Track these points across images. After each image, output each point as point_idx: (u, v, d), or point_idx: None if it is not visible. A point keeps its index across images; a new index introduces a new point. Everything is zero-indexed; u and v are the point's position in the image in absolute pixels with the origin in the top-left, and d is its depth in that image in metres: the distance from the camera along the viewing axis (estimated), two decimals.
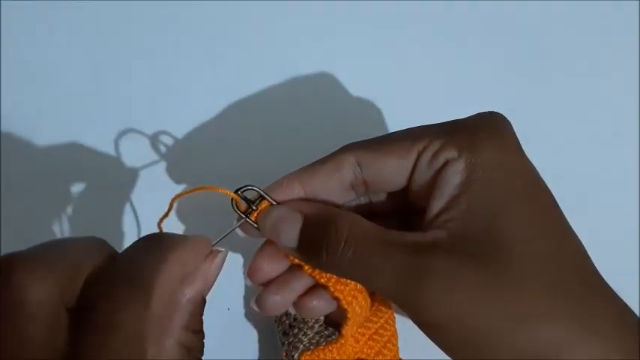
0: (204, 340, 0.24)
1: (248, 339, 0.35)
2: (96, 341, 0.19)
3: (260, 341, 0.35)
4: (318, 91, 0.41)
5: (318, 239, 0.25)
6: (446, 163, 0.25)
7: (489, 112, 0.27)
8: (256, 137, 0.40)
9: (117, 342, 0.19)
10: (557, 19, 0.43)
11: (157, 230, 0.30)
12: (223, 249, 0.26)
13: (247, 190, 0.27)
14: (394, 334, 0.31)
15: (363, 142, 0.27)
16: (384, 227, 0.26)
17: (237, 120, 0.40)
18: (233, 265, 0.36)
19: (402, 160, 0.26)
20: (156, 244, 0.22)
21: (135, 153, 0.39)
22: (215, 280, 0.25)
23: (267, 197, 0.27)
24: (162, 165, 0.39)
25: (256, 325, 0.35)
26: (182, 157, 0.39)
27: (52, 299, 0.19)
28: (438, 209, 0.25)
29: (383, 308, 0.31)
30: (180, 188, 0.38)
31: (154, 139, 0.39)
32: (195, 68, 0.41)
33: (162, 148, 0.39)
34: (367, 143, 0.27)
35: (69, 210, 0.38)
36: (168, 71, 0.40)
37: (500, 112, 0.27)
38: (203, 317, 0.24)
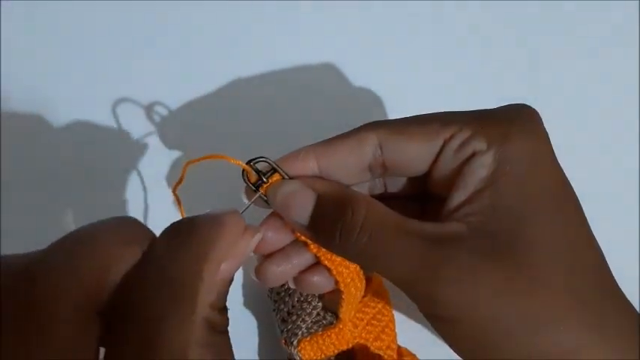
0: (228, 316, 0.23)
1: (248, 339, 0.35)
2: (136, 355, 0.18)
3: (260, 341, 0.35)
4: (317, 69, 0.41)
5: (332, 221, 0.24)
6: (473, 154, 0.24)
7: (522, 104, 0.26)
8: (252, 113, 0.40)
9: (160, 355, 0.18)
10: (557, 19, 0.43)
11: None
12: (257, 227, 0.25)
13: (260, 162, 0.26)
14: (392, 319, 0.31)
15: (386, 121, 0.26)
16: (399, 212, 0.25)
17: (231, 95, 0.40)
18: None
19: (426, 145, 0.25)
20: (193, 238, 0.21)
21: (130, 124, 0.39)
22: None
23: (280, 170, 0.26)
24: (158, 136, 0.39)
25: (256, 325, 0.35)
26: (177, 129, 0.39)
27: (78, 310, 0.18)
28: (460, 201, 0.24)
29: (380, 293, 0.31)
30: (173, 156, 0.39)
31: (149, 110, 0.39)
32: (192, 45, 0.41)
33: (157, 119, 0.39)
34: (391, 123, 0.26)
35: (68, 183, 0.38)
36: (166, 48, 0.41)
37: (532, 106, 0.26)
38: None
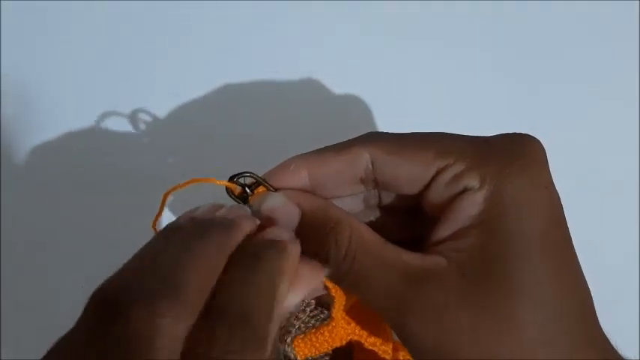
0: None
1: None
2: None
3: None
4: (303, 78, 0.41)
5: (315, 245, 0.24)
6: (465, 190, 0.24)
7: (524, 135, 0.25)
8: (237, 120, 0.40)
9: None
10: (556, 20, 0.42)
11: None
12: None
13: (244, 177, 0.26)
14: None
15: (381, 136, 0.26)
16: (393, 222, 0.25)
17: (237, 100, 0.40)
18: None
19: (419, 170, 0.25)
20: (264, 277, 0.20)
21: (130, 126, 0.39)
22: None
23: (265, 183, 0.26)
24: (157, 138, 0.39)
25: None
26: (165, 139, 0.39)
27: (174, 338, 0.17)
28: (445, 235, 0.24)
29: None
30: (172, 159, 0.39)
31: (133, 118, 0.39)
32: (177, 48, 0.41)
33: (142, 126, 0.39)
34: (386, 140, 0.26)
35: (69, 185, 0.38)
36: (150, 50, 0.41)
37: (536, 138, 0.25)
38: None
